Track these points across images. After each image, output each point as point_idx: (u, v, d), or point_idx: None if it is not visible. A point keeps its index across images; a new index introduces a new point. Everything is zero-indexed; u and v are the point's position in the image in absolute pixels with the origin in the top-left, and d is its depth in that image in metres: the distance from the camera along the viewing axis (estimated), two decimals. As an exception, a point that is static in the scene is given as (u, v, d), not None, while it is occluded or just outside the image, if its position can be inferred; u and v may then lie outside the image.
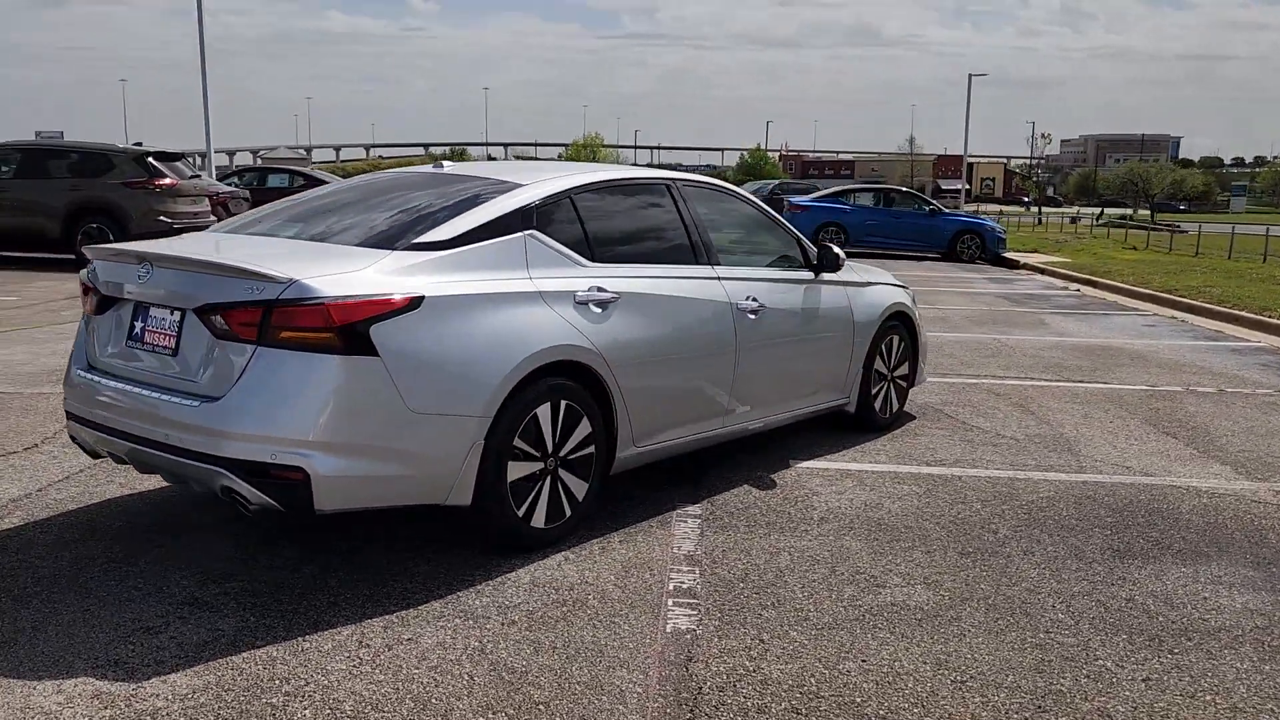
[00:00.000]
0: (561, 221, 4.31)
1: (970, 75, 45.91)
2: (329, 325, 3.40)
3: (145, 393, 3.66)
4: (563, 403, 4.04)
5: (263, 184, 23.07)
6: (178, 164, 15.51)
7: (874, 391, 6.10)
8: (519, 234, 4.09)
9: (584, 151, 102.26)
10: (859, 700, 2.97)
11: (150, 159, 14.70)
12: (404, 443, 3.57)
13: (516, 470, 3.89)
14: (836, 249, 5.64)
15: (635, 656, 3.20)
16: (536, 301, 3.99)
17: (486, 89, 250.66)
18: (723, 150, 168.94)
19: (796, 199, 23.71)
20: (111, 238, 14.18)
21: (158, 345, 3.71)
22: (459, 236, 3.93)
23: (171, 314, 3.67)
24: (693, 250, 4.88)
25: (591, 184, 4.58)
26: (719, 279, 4.90)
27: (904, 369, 6.38)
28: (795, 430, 6.00)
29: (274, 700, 2.86)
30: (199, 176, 16.05)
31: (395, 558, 3.93)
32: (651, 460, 4.71)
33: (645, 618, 3.48)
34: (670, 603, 3.61)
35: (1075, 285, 17.57)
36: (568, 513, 4.14)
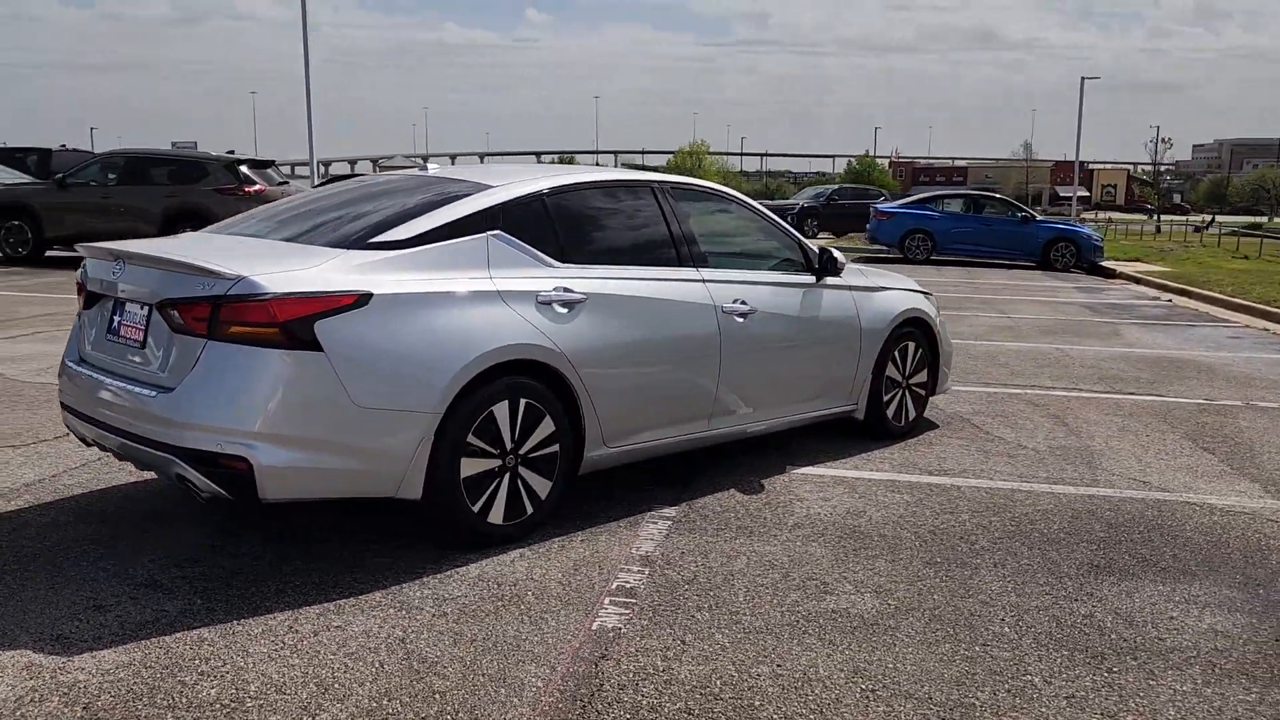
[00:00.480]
0: (531, 223, 4.37)
1: (1083, 78, 44.51)
2: (272, 321, 3.53)
3: (118, 384, 3.86)
4: (522, 401, 4.09)
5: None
6: (268, 171, 16.15)
7: (886, 399, 5.99)
8: (482, 234, 4.17)
9: (689, 159, 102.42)
10: (757, 704, 2.95)
11: (240, 167, 15.35)
12: (349, 437, 3.68)
13: (471, 466, 3.96)
14: (836, 253, 5.56)
15: (550, 652, 3.23)
16: (495, 301, 4.05)
17: (597, 97, 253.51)
18: (833, 157, 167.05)
19: (882, 205, 23.30)
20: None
21: (130, 339, 3.90)
22: (418, 236, 4.03)
23: (141, 309, 3.86)
24: (676, 253, 4.89)
25: (567, 186, 4.63)
26: (704, 281, 4.90)
27: (921, 376, 6.25)
28: (804, 436, 5.94)
29: (186, 679, 2.99)
30: (287, 183, 16.68)
31: (355, 549, 4.05)
32: (628, 461, 4.73)
33: (576, 615, 3.51)
34: (607, 601, 3.63)
35: (1168, 295, 16.85)
36: (529, 510, 4.19)
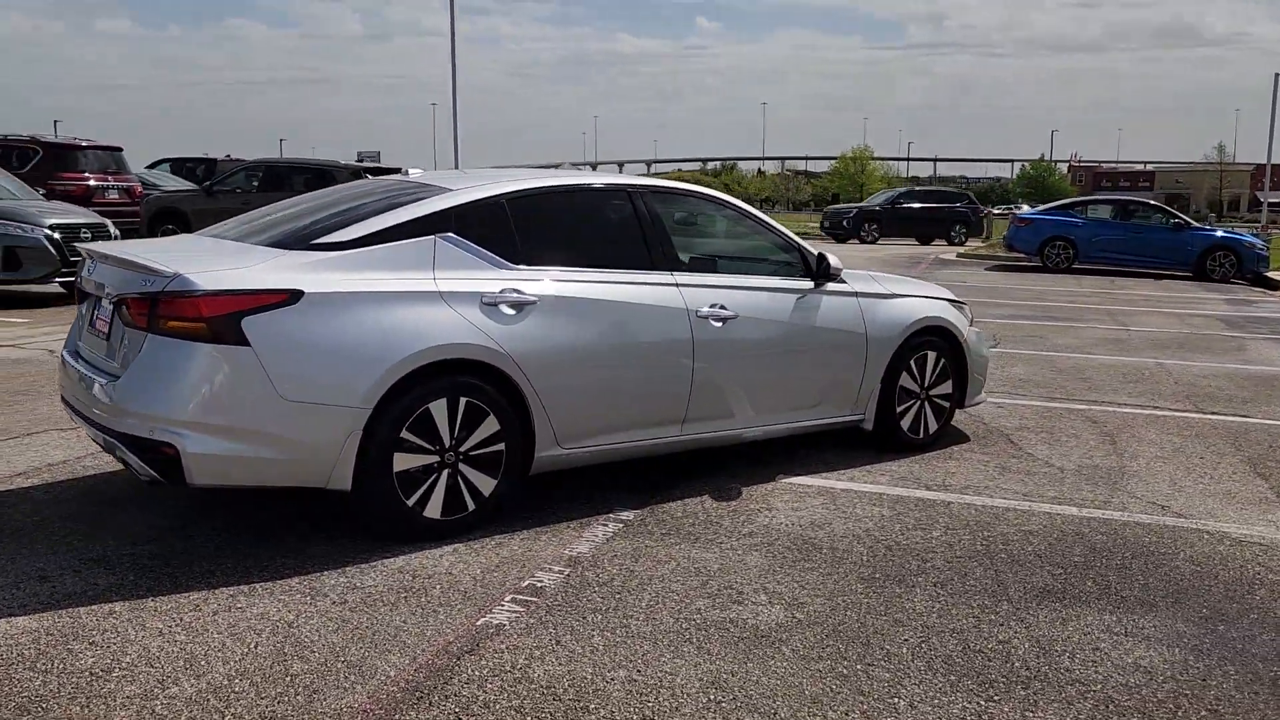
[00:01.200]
0: (487, 226, 4.45)
1: (1276, 75, 41.43)
2: (199, 316, 3.74)
3: (90, 374, 4.16)
4: (462, 400, 4.17)
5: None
6: (395, 176, 16.87)
7: (900, 409, 5.78)
8: (429, 237, 4.28)
9: (852, 164, 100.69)
10: (592, 707, 2.93)
11: (365, 173, 16.09)
12: (276, 428, 3.84)
13: (405, 461, 4.07)
14: (831, 258, 5.42)
15: (421, 644, 3.29)
16: (435, 301, 4.15)
17: (764, 104, 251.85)
18: (1010, 161, 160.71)
19: (1023, 212, 22.32)
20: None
21: (101, 332, 4.20)
22: (364, 238, 4.18)
23: (109, 304, 4.15)
24: (649, 257, 4.87)
25: (530, 190, 4.69)
26: (677, 286, 4.86)
27: (944, 387, 6.00)
28: (812, 444, 5.81)
29: (74, 647, 3.20)
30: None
31: (301, 538, 4.22)
32: (590, 462, 4.75)
33: (471, 610, 3.56)
34: (510, 599, 3.67)
35: (1328, 309, 15.49)
36: (470, 506, 4.27)
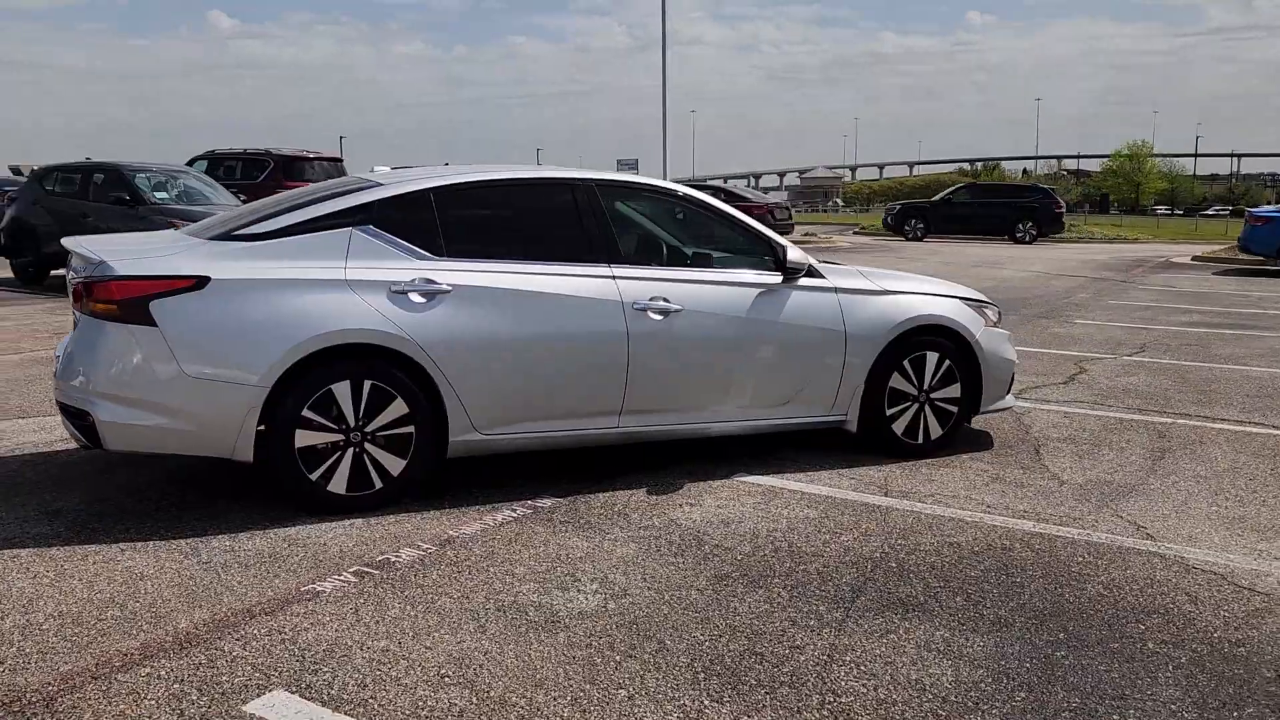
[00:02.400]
0: (410, 219, 4.68)
1: None
2: (113, 299, 4.19)
3: (59, 353, 4.72)
4: (367, 383, 4.42)
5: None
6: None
7: (892, 412, 5.51)
8: (345, 229, 4.55)
9: (1129, 162, 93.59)
10: (325, 669, 3.08)
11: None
12: (180, 401, 4.24)
13: (308, 438, 4.37)
14: (792, 251, 5.24)
15: (232, 602, 3.56)
16: (341, 289, 4.42)
17: (1039, 100, 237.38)
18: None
19: (1259, 209, 20.06)
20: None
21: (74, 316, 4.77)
22: (282, 229, 4.52)
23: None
24: (588, 250, 4.93)
25: (459, 185, 4.87)
26: (614, 278, 4.90)
27: (949, 391, 5.64)
28: (806, 443, 5.64)
29: (-43, 579, 3.71)
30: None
31: (237, 508, 4.59)
32: (518, 449, 4.88)
33: (307, 577, 3.80)
34: (352, 570, 3.88)
35: None
36: (377, 484, 4.51)
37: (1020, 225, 28.14)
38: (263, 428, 4.32)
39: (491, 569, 3.91)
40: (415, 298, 4.52)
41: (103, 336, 4.24)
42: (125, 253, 4.40)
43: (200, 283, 4.26)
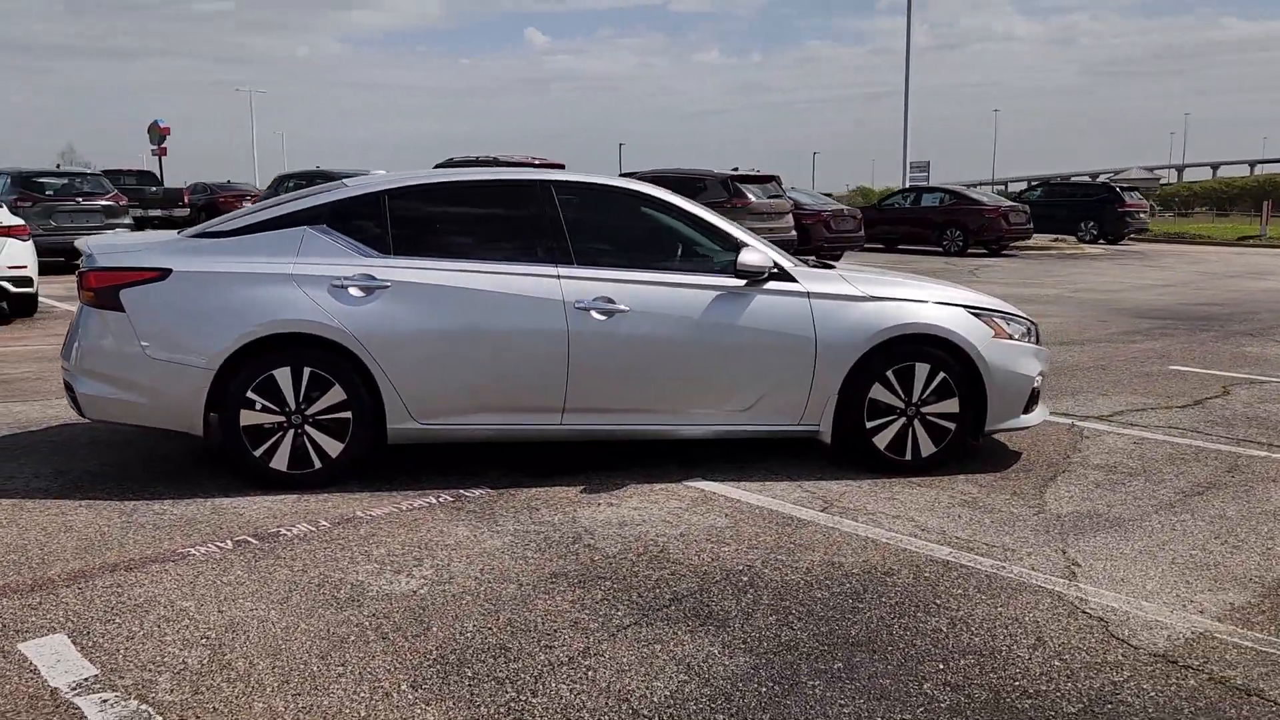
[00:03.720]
0: (361, 219, 4.99)
1: None
2: (91, 287, 4.79)
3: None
4: (306, 369, 4.78)
5: (917, 203, 23.96)
6: (767, 185, 17.42)
7: (873, 425, 5.22)
8: (300, 228, 4.93)
9: None
10: (123, 620, 3.42)
11: (733, 181, 16.84)
12: (143, 379, 4.77)
13: (252, 418, 4.78)
14: (747, 254, 5.06)
15: (109, 555, 4.00)
16: (286, 283, 4.80)
17: None
18: None
19: None
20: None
21: (85, 303, 5.45)
22: (245, 227, 4.97)
23: (87, 281, 5.38)
24: (538, 248, 5.04)
25: (412, 187, 5.13)
26: (558, 277, 4.98)
27: (944, 406, 5.25)
28: (794, 453, 5.47)
29: (-69, 520, 4.41)
30: (780, 197, 17.70)
31: (208, 481, 5.09)
32: (458, 440, 5.07)
33: (191, 540, 4.19)
34: (235, 539, 4.23)
35: None
36: (316, 464, 4.86)
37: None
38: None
39: (355, 548, 4.13)
40: (354, 292, 4.82)
41: (86, 320, 4.86)
42: (113, 249, 5.01)
43: (163, 274, 4.78)
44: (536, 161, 21.80)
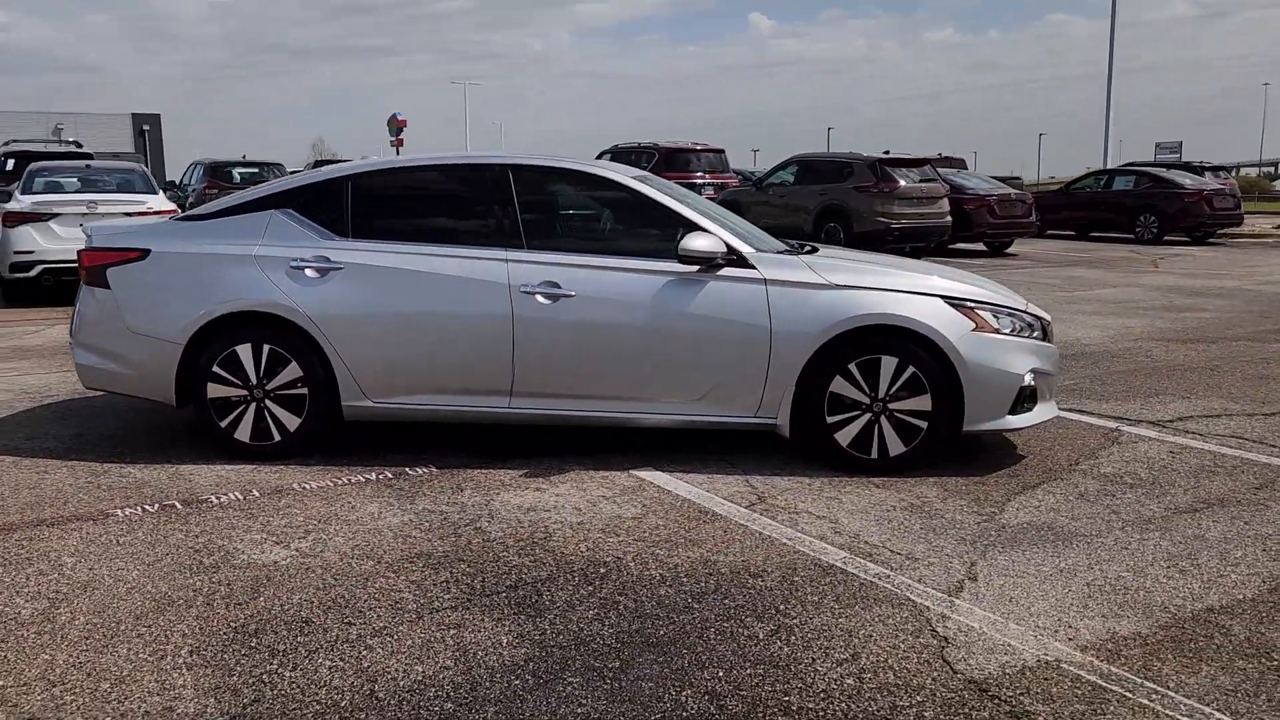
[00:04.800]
0: (325, 204, 5.18)
1: None
2: (85, 265, 5.22)
3: None
4: (265, 346, 5.03)
5: (1108, 186, 22.26)
6: (923, 169, 16.68)
7: (834, 420, 4.95)
8: (267, 211, 5.18)
9: None
10: (12, 569, 3.75)
11: (882, 165, 16.23)
12: (126, 351, 5.16)
13: (217, 391, 5.08)
14: (693, 239, 4.87)
15: (42, 509, 4.36)
16: (249, 264, 5.06)
17: None
18: None
19: None
20: (842, 238, 16.21)
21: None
22: (220, 211, 5.27)
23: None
24: (491, 231, 5.09)
25: (373, 170, 5.27)
26: (505, 261, 4.99)
27: (915, 402, 4.91)
28: (772, 448, 5.29)
29: (-66, 473, 4.95)
30: (932, 181, 16.85)
31: (186, 450, 5.46)
32: (409, 419, 5.20)
33: (120, 503, 4.50)
34: (162, 504, 4.51)
35: None
36: (276, 437, 5.11)
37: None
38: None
39: (262, 518, 4.32)
40: (310, 273, 5.02)
41: (83, 297, 5.30)
42: (109, 231, 5.43)
43: (143, 254, 5.15)
44: (698, 147, 21.75)
